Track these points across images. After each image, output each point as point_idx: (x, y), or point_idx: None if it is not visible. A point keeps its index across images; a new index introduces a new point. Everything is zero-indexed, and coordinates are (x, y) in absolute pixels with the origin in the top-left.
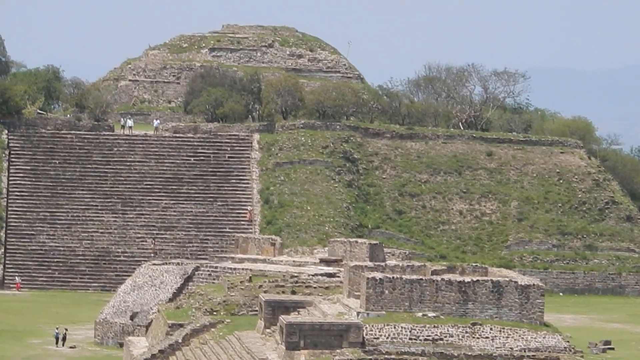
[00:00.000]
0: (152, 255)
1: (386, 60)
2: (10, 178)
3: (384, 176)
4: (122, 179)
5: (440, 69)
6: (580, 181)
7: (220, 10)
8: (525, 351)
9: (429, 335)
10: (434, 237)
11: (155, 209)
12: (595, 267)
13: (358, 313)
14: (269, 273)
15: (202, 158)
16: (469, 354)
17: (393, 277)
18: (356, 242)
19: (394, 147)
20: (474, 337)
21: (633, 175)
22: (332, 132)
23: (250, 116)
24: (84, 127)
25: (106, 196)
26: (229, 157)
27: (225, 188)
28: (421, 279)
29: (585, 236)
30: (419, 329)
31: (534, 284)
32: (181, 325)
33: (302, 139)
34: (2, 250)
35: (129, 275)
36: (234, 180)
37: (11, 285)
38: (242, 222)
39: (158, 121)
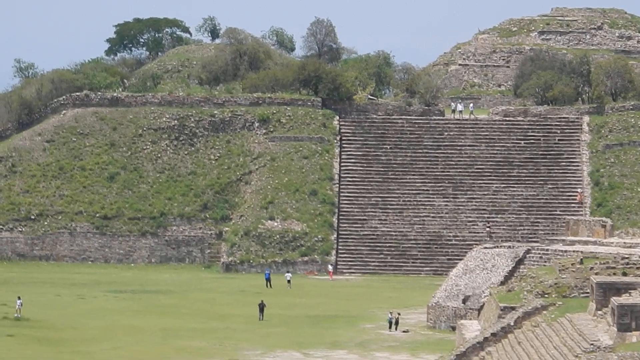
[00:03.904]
0: (487, 239)
1: None
2: (342, 164)
3: None
4: (453, 163)
5: None
6: None
7: None
8: None
9: None
10: None
11: (486, 192)
12: None
13: None
14: (599, 255)
15: (532, 141)
16: None
17: None
18: None
19: None
20: None
21: None
22: None
23: (579, 99)
24: (414, 112)
25: (437, 180)
26: (558, 139)
27: (556, 171)
28: None
29: None
30: None
31: None
32: (513, 308)
33: (632, 120)
34: (335, 235)
35: (460, 259)
36: (564, 163)
37: (344, 271)
38: (573, 205)
39: (463, 105)
